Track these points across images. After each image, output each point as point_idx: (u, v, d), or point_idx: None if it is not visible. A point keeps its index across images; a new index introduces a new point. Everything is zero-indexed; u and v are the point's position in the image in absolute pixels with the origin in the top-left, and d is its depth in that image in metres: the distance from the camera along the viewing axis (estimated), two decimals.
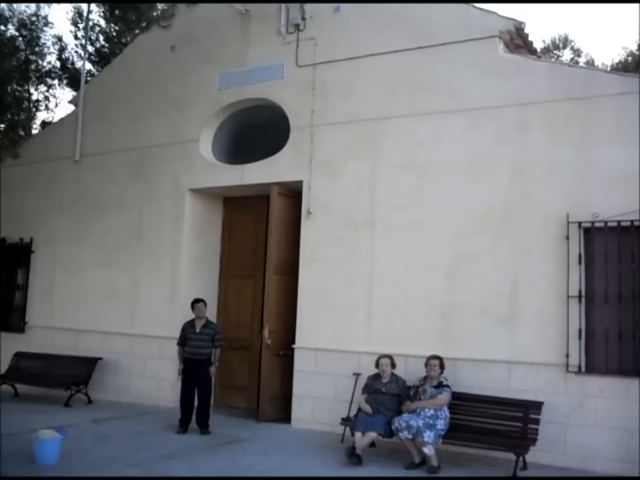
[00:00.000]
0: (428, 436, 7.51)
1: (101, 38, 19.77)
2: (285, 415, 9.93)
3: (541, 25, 41.92)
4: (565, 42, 31.12)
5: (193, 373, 9.19)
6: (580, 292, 8.08)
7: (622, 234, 7.98)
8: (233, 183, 10.88)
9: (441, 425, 7.71)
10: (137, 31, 13.69)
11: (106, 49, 19.56)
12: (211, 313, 10.97)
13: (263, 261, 10.63)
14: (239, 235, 11.58)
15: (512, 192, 8.61)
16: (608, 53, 51.77)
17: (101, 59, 19.38)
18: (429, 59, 9.40)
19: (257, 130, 11.45)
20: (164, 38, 11.96)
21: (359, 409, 8.23)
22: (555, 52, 30.46)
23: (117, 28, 19.15)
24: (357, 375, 9.02)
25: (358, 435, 7.85)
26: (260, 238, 11.10)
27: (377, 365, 8.36)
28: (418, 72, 9.46)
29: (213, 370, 9.34)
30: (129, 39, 17.08)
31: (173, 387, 10.40)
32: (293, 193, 10.29)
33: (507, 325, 8.45)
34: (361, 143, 9.73)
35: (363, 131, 9.74)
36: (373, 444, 8.11)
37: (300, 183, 10.11)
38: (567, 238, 8.18)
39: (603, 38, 44.26)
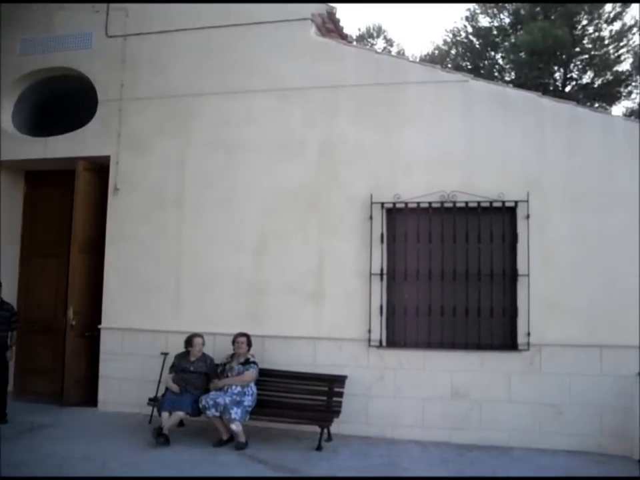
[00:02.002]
0: (235, 413, 7.58)
1: None
2: (91, 398, 9.59)
3: (357, 14, 43.27)
4: (379, 32, 32.45)
5: None
6: (382, 270, 8.47)
7: (421, 215, 8.44)
8: (35, 157, 10.21)
9: (248, 401, 7.81)
10: None
11: None
12: (11, 294, 10.34)
13: (68, 239, 10.16)
14: (43, 212, 10.95)
15: (320, 172, 8.83)
16: (418, 46, 54.58)
17: None
18: (242, 37, 9.35)
19: (64, 101, 10.87)
20: None
21: (167, 389, 8.14)
22: (369, 40, 31.67)
23: None
24: (165, 354, 8.91)
25: (165, 414, 7.79)
26: (65, 215, 10.54)
27: (189, 344, 8.27)
28: (230, 50, 9.39)
29: (10, 354, 8.81)
30: None
31: None
32: (100, 168, 9.86)
33: (313, 302, 8.69)
34: (171, 119, 9.53)
35: (173, 107, 9.53)
36: (181, 423, 8.09)
37: (107, 158, 9.72)
38: (371, 218, 8.53)
39: (415, 31, 46.62)
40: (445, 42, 27.52)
